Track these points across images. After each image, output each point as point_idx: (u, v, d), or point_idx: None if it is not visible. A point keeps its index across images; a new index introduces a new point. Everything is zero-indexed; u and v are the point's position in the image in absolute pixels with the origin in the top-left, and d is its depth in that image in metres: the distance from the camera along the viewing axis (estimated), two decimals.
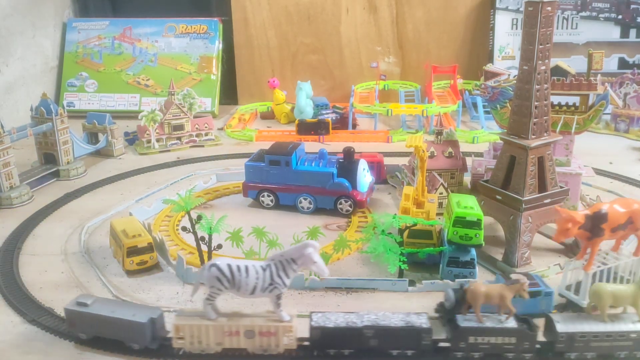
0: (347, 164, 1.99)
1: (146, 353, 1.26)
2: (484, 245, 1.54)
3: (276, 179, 1.99)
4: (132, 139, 2.74)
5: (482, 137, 2.70)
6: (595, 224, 1.33)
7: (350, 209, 1.96)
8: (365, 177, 2.00)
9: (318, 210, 2.00)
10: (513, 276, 1.32)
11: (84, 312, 1.27)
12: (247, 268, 1.21)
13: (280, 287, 1.22)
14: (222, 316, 1.25)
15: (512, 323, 1.24)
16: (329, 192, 1.96)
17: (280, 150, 2.00)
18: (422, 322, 1.24)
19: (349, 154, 2.00)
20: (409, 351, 1.24)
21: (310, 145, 2.56)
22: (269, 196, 2.01)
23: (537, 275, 1.39)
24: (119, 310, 1.28)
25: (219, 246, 1.57)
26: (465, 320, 1.25)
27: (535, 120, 1.57)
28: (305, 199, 1.98)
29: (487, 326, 1.23)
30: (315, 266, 1.21)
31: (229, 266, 1.22)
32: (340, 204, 1.96)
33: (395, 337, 1.23)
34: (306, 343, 1.26)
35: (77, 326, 1.29)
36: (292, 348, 1.25)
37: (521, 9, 3.05)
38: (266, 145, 2.08)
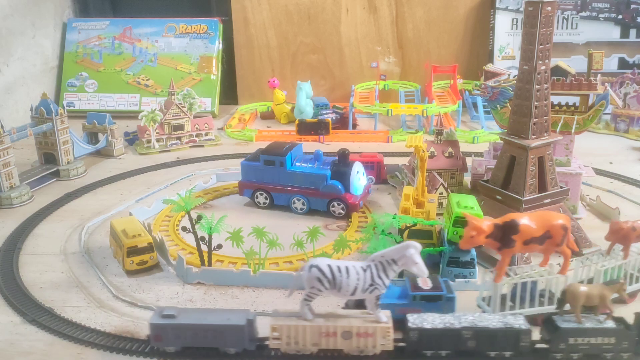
0: (341, 166, 1.96)
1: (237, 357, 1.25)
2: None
3: (270, 179, 1.99)
4: (132, 139, 2.74)
5: (482, 137, 2.70)
6: (506, 235, 1.29)
7: (342, 212, 1.94)
8: (359, 180, 1.97)
9: (318, 210, 1.99)
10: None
11: (172, 324, 1.24)
12: (347, 269, 1.20)
13: (380, 288, 1.21)
14: (318, 317, 1.24)
15: (610, 323, 1.24)
16: (321, 194, 1.94)
17: (275, 150, 2.00)
18: (521, 323, 1.23)
19: (343, 156, 1.97)
20: (507, 352, 1.23)
21: (311, 145, 2.56)
22: (263, 195, 2.01)
23: (443, 279, 1.37)
24: (209, 316, 1.26)
25: (219, 246, 1.57)
26: (564, 322, 1.24)
27: (535, 120, 1.57)
28: (298, 200, 1.97)
29: (587, 327, 1.23)
30: (416, 267, 1.20)
31: (330, 267, 1.20)
32: (333, 206, 1.94)
33: (494, 339, 1.22)
34: (402, 344, 1.24)
35: (164, 340, 1.25)
36: (388, 349, 1.23)
37: (521, 9, 3.05)
38: (266, 145, 2.08)
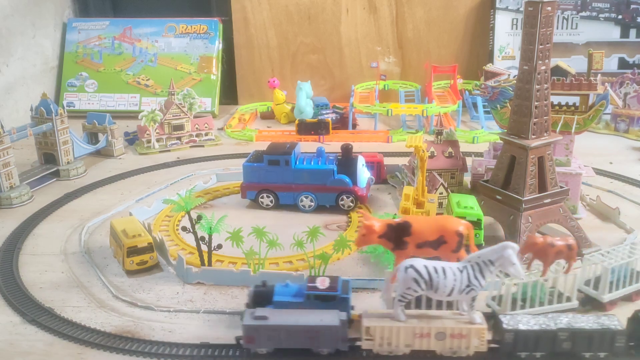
0: (347, 160, 2.00)
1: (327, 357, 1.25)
2: (484, 245, 1.54)
3: (276, 179, 1.99)
4: (132, 139, 2.74)
5: (482, 137, 2.70)
6: (399, 236, 1.29)
7: (352, 204, 1.98)
8: (364, 172, 2.02)
9: (318, 210, 2.00)
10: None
11: (266, 326, 1.23)
12: (444, 270, 1.20)
13: (477, 289, 1.20)
14: (411, 317, 1.24)
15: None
16: (330, 189, 1.97)
17: (278, 150, 2.00)
18: (615, 324, 1.23)
19: (347, 150, 2.02)
20: (602, 353, 1.23)
21: (311, 145, 2.56)
22: (268, 196, 2.01)
23: (343, 279, 1.36)
24: (302, 317, 1.25)
25: (219, 246, 1.57)
26: None
27: (535, 120, 1.57)
28: (306, 197, 1.98)
29: None
30: (513, 268, 1.19)
31: (426, 267, 1.20)
32: (342, 200, 1.98)
33: (590, 340, 1.21)
34: (495, 345, 1.24)
35: (256, 341, 1.24)
36: (482, 351, 1.23)
37: (521, 9, 3.05)
38: (265, 145, 2.08)
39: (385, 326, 1.22)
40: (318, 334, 1.23)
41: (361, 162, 2.02)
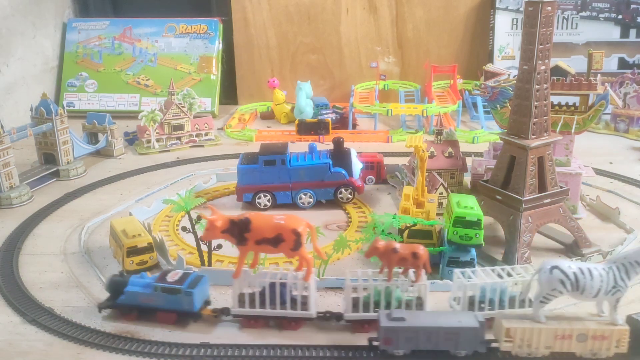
0: (340, 153, 2.04)
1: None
2: (484, 245, 1.54)
3: (272, 179, 1.99)
4: (132, 139, 2.74)
5: (482, 137, 2.70)
6: (240, 232, 1.29)
7: (350, 196, 2.02)
8: (357, 164, 2.06)
9: (318, 210, 2.00)
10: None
11: (404, 327, 1.23)
12: (590, 271, 1.20)
13: (622, 290, 1.21)
14: (550, 319, 1.24)
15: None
16: (328, 184, 2.00)
17: (272, 150, 2.01)
18: None
19: (339, 143, 2.05)
20: None
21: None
22: (265, 197, 2.01)
23: (197, 274, 1.38)
24: (440, 319, 1.25)
25: (219, 246, 1.57)
26: None
27: (535, 120, 1.57)
28: (305, 195, 2.00)
29: None
30: None
31: (572, 268, 1.20)
32: (341, 193, 2.01)
33: None
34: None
35: (394, 343, 1.24)
36: (622, 352, 1.22)
37: (521, 9, 3.05)
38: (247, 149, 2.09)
39: (526, 328, 1.22)
40: (457, 335, 1.22)
41: (354, 153, 2.05)
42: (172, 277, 1.38)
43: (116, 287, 1.40)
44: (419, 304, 1.33)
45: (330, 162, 2.00)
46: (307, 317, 1.35)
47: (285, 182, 1.99)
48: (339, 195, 2.01)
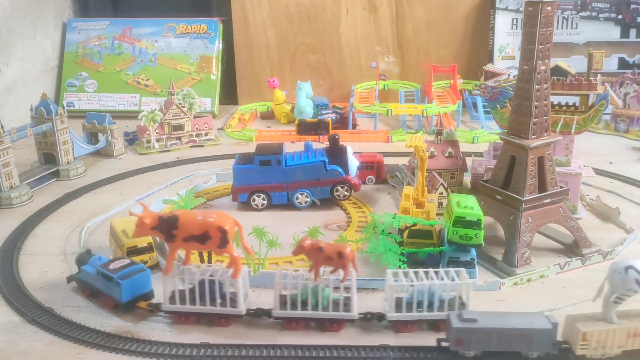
0: (336, 150, 2.03)
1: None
2: (484, 245, 1.54)
3: (268, 179, 1.99)
4: (132, 139, 2.74)
5: (482, 137, 2.70)
6: (168, 229, 1.31)
7: (347, 193, 2.01)
8: (354, 161, 2.05)
9: (318, 210, 2.00)
10: None
11: (476, 329, 1.23)
12: None
13: None
14: (621, 318, 1.24)
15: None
16: (324, 182, 1.99)
17: (268, 150, 2.01)
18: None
19: (334, 141, 2.04)
20: None
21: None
22: (260, 196, 2.01)
23: (141, 267, 1.41)
24: (512, 320, 1.24)
25: None
26: None
27: (535, 120, 1.57)
28: (301, 194, 2.00)
29: None
30: None
31: None
32: (337, 190, 2.00)
33: None
34: None
35: (465, 344, 1.23)
36: None
37: (521, 9, 3.05)
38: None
39: (602, 330, 1.21)
40: (530, 337, 1.22)
41: (350, 151, 2.04)
42: (115, 264, 1.42)
43: (79, 263, 1.51)
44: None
45: (326, 160, 1.99)
46: (237, 315, 1.37)
47: (281, 182, 1.99)
48: (336, 193, 2.00)
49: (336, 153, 2.03)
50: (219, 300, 1.36)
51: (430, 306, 1.33)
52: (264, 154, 1.99)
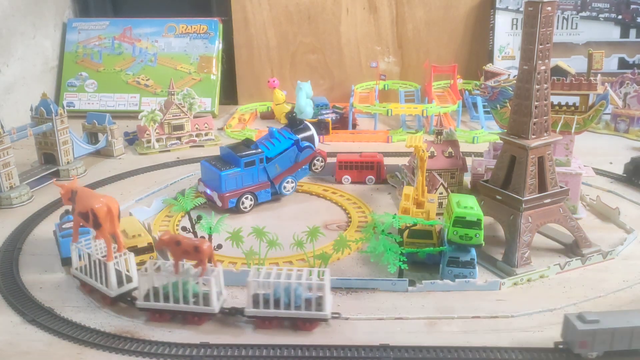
0: (302, 128, 2.10)
1: None
2: (484, 245, 1.54)
3: (253, 179, 2.00)
4: (132, 139, 2.74)
5: (482, 137, 2.70)
6: (71, 200, 1.48)
7: (323, 164, 2.14)
8: (315, 132, 2.13)
9: (318, 210, 2.00)
10: None
11: (600, 329, 1.22)
12: None
13: None
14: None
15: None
16: (302, 162, 2.07)
17: (242, 150, 2.01)
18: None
19: (293, 119, 2.12)
20: None
21: None
22: (247, 198, 1.99)
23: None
24: (633, 319, 1.24)
25: (219, 246, 1.57)
26: None
27: (535, 120, 1.57)
28: (287, 183, 2.05)
29: None
30: None
31: None
32: (314, 165, 2.12)
33: None
34: None
35: (589, 345, 1.23)
36: None
37: (521, 9, 3.05)
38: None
39: None
40: None
41: (309, 124, 2.13)
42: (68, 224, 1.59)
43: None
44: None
45: (298, 139, 2.05)
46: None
47: (266, 179, 2.02)
48: (313, 168, 2.11)
49: (302, 130, 2.09)
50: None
51: (290, 305, 1.34)
52: (248, 155, 1.97)
